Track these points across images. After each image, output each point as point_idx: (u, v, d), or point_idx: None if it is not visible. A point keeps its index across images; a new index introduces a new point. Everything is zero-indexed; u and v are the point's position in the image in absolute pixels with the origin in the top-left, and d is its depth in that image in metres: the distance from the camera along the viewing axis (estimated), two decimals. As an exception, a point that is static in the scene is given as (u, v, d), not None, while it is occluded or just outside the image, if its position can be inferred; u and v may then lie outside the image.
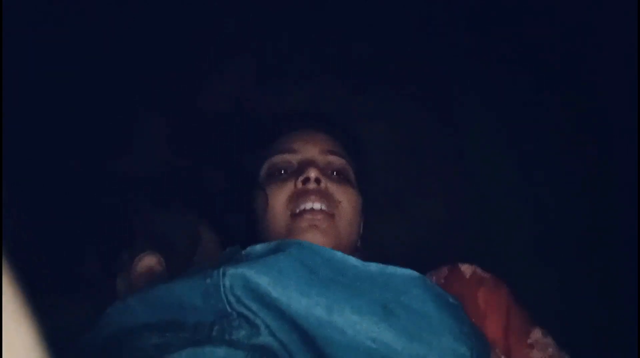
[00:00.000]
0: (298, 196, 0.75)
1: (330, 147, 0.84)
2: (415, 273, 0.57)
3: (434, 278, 0.77)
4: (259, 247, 0.58)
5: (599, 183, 0.94)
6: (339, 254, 0.58)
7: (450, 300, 0.59)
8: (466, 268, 0.77)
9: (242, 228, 0.78)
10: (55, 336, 0.54)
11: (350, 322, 0.50)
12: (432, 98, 1.02)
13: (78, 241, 0.62)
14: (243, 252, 0.58)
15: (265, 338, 0.53)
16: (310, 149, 0.82)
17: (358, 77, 1.01)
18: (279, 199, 0.77)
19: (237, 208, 0.79)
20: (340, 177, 0.82)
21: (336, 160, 0.83)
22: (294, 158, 0.81)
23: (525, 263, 0.94)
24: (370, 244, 0.86)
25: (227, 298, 0.52)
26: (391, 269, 0.57)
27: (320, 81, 1.00)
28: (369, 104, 1.02)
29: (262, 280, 0.51)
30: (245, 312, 0.53)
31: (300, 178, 0.76)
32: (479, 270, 0.77)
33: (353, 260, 0.58)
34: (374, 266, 0.57)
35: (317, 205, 0.74)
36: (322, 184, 0.77)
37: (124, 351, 0.50)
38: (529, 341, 0.70)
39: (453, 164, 1.01)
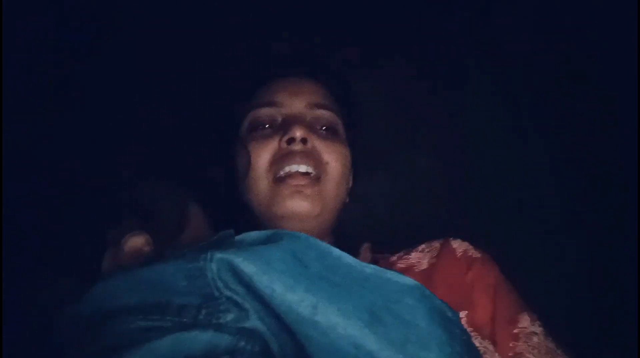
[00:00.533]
0: (282, 157, 0.71)
1: (318, 99, 0.77)
2: (412, 282, 0.55)
3: (427, 254, 0.75)
4: (253, 234, 0.56)
5: (596, 144, 0.90)
6: (336, 251, 0.56)
7: (449, 313, 0.56)
8: (458, 246, 0.74)
9: (225, 188, 0.73)
10: (38, 313, 0.55)
11: (334, 324, 0.48)
12: (426, 51, 0.99)
13: (62, 218, 0.61)
14: (236, 238, 0.56)
15: (254, 323, 0.52)
16: (297, 103, 0.75)
17: (349, 27, 0.96)
18: (261, 159, 0.72)
19: (219, 165, 0.73)
20: (329, 132, 0.76)
21: (325, 114, 0.76)
22: (278, 112, 0.75)
23: (511, 223, 0.91)
24: (356, 198, 0.82)
25: (214, 282, 0.51)
26: (388, 274, 0.55)
27: (309, 29, 0.95)
28: (360, 54, 0.98)
29: (249, 268, 0.49)
30: (234, 296, 0.52)
31: (285, 138, 0.71)
32: (470, 249, 0.74)
33: (349, 259, 0.55)
34: (370, 269, 0.54)
35: (302, 168, 0.70)
36: (309, 144, 0.71)
37: (108, 333, 0.50)
38: (515, 330, 0.67)
39: (443, 118, 0.99)
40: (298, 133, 0.70)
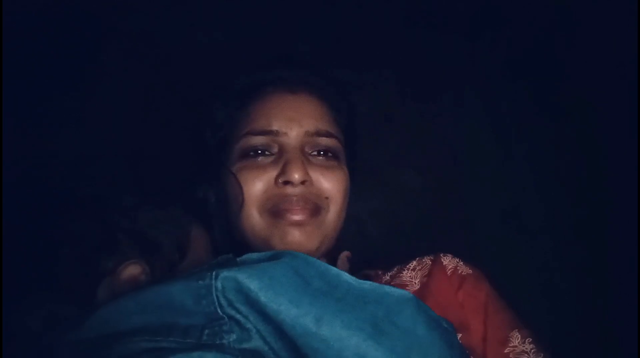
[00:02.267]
0: (278, 197, 0.66)
1: (318, 126, 0.70)
2: (408, 294, 0.56)
3: (419, 273, 0.74)
4: (254, 255, 0.57)
5: (578, 155, 0.93)
6: (334, 269, 0.57)
7: (444, 324, 0.57)
8: (448, 262, 0.73)
9: (217, 213, 0.69)
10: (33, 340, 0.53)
11: (338, 335, 0.49)
12: (411, 69, 0.99)
13: (56, 244, 0.60)
14: (238, 259, 0.57)
15: (256, 343, 0.52)
16: (295, 131, 0.68)
17: (339, 46, 0.96)
18: (254, 192, 0.66)
19: (209, 188, 0.69)
20: (329, 158, 0.71)
21: (325, 141, 0.71)
22: (274, 141, 0.68)
23: (500, 237, 0.92)
24: (346, 219, 0.76)
25: (218, 300, 0.52)
26: (385, 288, 0.56)
27: (300, 47, 0.93)
28: (350, 73, 0.97)
29: (254, 284, 0.50)
30: (237, 316, 0.52)
31: (282, 178, 0.66)
32: (461, 265, 0.73)
33: (347, 277, 0.57)
34: (367, 285, 0.56)
35: (299, 216, 0.66)
36: (308, 183, 0.67)
37: (112, 356, 0.49)
38: (506, 351, 0.67)
39: (432, 136, 0.99)
40: (297, 176, 0.65)
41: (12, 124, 0.77)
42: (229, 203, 0.69)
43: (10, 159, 0.71)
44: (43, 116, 0.83)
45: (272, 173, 0.68)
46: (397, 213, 0.98)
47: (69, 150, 0.81)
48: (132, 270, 0.61)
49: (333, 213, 0.71)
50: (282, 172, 0.67)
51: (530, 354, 0.66)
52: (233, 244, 0.71)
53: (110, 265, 0.61)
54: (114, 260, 0.61)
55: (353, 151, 0.78)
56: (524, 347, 0.66)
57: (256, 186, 0.67)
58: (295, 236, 0.67)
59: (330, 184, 0.70)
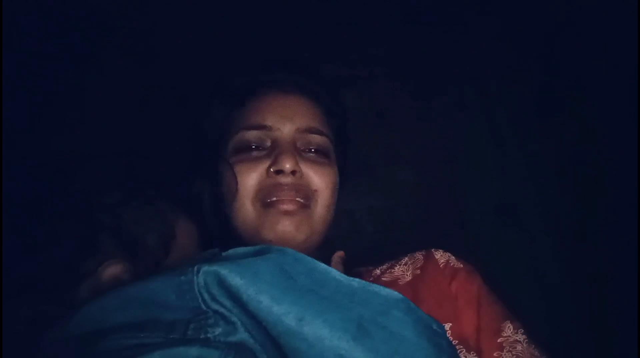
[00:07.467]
0: (270, 186, 0.67)
1: (309, 123, 0.71)
2: (398, 295, 0.53)
3: (411, 266, 0.72)
4: (240, 250, 0.54)
5: (575, 152, 0.90)
6: (323, 266, 0.54)
7: (434, 326, 0.53)
8: (440, 256, 0.72)
9: (210, 206, 0.69)
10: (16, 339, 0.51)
11: (320, 335, 0.46)
12: (403, 65, 0.97)
13: (36, 245, 0.57)
14: (224, 254, 0.54)
15: (242, 336, 0.49)
16: (287, 127, 0.70)
17: (332, 43, 0.94)
18: (247, 183, 0.67)
19: (203, 180, 0.69)
20: (319, 155, 0.71)
21: (316, 139, 0.71)
22: (267, 135, 0.70)
23: (492, 232, 0.89)
24: (341, 215, 0.76)
25: (201, 295, 0.49)
26: (374, 287, 0.53)
27: (292, 44, 0.91)
28: (343, 70, 0.96)
29: (235, 280, 0.47)
30: (221, 310, 0.49)
31: (274, 168, 0.67)
32: (452, 259, 0.72)
33: (336, 274, 0.53)
34: (356, 282, 0.53)
35: (290, 205, 0.66)
36: (298, 175, 0.67)
37: (97, 353, 0.47)
38: (499, 340, 0.65)
39: (426, 132, 0.97)
40: (288, 165, 0.66)
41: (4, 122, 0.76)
42: (223, 196, 0.70)
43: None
44: (37, 114, 0.82)
45: (265, 165, 0.68)
46: (392, 209, 0.96)
47: (65, 147, 0.80)
48: (114, 270, 0.58)
49: (322, 207, 0.70)
50: (274, 162, 0.67)
51: (523, 343, 0.65)
52: (225, 237, 0.71)
53: (92, 265, 0.58)
54: (95, 260, 0.58)
55: (343, 153, 0.78)
56: (516, 336, 0.65)
57: (250, 177, 0.68)
58: (286, 225, 0.66)
59: (319, 178, 0.70)
